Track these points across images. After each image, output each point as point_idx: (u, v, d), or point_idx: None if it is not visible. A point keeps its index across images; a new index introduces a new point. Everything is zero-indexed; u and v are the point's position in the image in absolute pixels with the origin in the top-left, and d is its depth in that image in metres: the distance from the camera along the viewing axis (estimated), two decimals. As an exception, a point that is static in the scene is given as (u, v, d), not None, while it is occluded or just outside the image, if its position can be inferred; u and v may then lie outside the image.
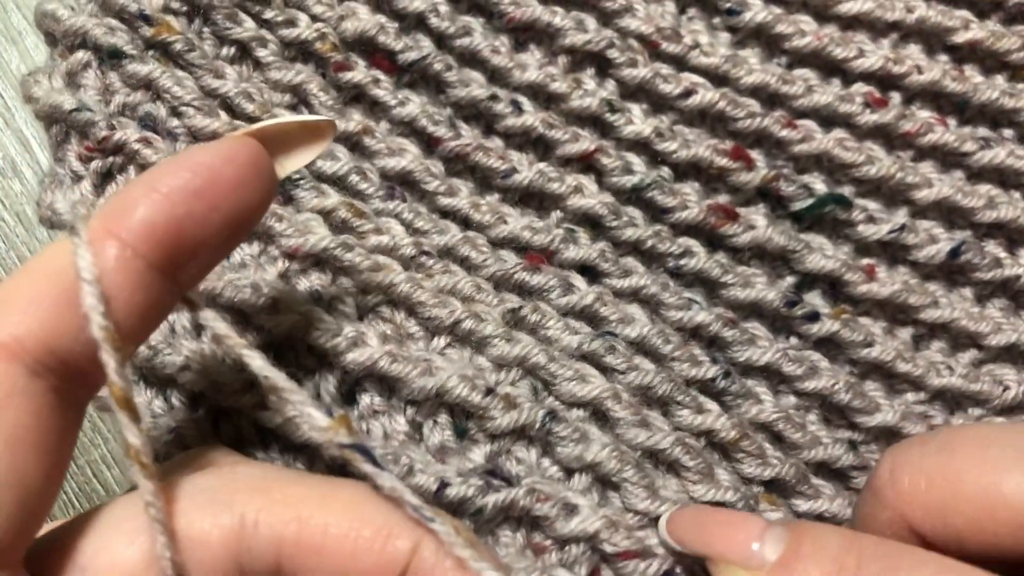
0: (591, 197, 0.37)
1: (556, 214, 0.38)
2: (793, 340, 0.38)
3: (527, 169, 0.37)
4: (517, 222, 0.37)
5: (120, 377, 0.25)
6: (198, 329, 0.34)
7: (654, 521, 0.33)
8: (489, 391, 0.34)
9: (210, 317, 0.28)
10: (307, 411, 0.26)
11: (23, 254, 0.43)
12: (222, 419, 0.34)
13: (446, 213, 0.38)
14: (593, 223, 0.38)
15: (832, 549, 0.26)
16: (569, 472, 0.34)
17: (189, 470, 0.28)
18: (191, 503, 0.26)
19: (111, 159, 0.35)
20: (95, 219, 0.26)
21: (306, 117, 0.30)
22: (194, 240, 0.26)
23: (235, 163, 0.27)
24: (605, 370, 0.36)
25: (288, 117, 0.30)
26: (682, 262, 0.37)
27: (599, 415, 0.35)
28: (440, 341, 0.36)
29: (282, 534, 0.26)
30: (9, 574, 0.24)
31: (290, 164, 0.29)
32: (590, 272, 0.37)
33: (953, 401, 0.38)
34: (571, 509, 0.33)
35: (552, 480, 0.34)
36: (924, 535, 0.27)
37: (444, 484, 0.33)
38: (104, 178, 0.35)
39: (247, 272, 0.35)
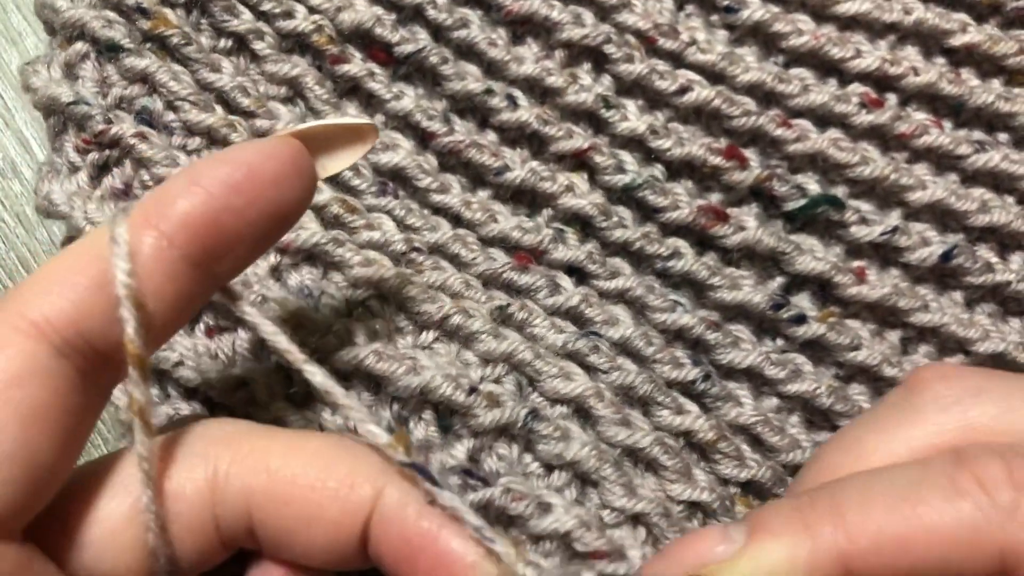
0: (582, 197, 0.38)
1: (547, 212, 0.39)
2: (780, 342, 0.39)
3: (519, 167, 0.38)
4: (507, 221, 0.38)
5: (137, 336, 0.26)
6: (192, 325, 0.36)
7: (631, 519, 0.34)
8: (472, 389, 0.35)
9: (270, 331, 0.29)
10: (368, 428, 0.28)
11: (23, 255, 0.44)
12: (218, 409, 0.36)
13: (438, 210, 0.39)
14: (583, 223, 0.39)
15: (786, 507, 0.28)
16: (549, 468, 0.36)
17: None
18: (167, 459, 0.28)
19: (107, 152, 0.36)
20: (136, 210, 0.27)
21: (349, 120, 0.31)
22: (230, 234, 0.27)
23: (276, 160, 0.28)
24: (588, 369, 0.37)
25: (332, 119, 0.31)
26: (670, 264, 0.38)
27: (582, 412, 0.36)
28: (428, 336, 0.37)
29: (252, 485, 0.28)
30: (8, 543, 0.25)
31: (332, 166, 0.31)
32: (577, 273, 0.38)
33: (938, 404, 0.39)
34: (545, 508, 0.34)
35: (530, 477, 0.35)
36: None
37: None
38: (100, 170, 0.36)
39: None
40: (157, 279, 0.26)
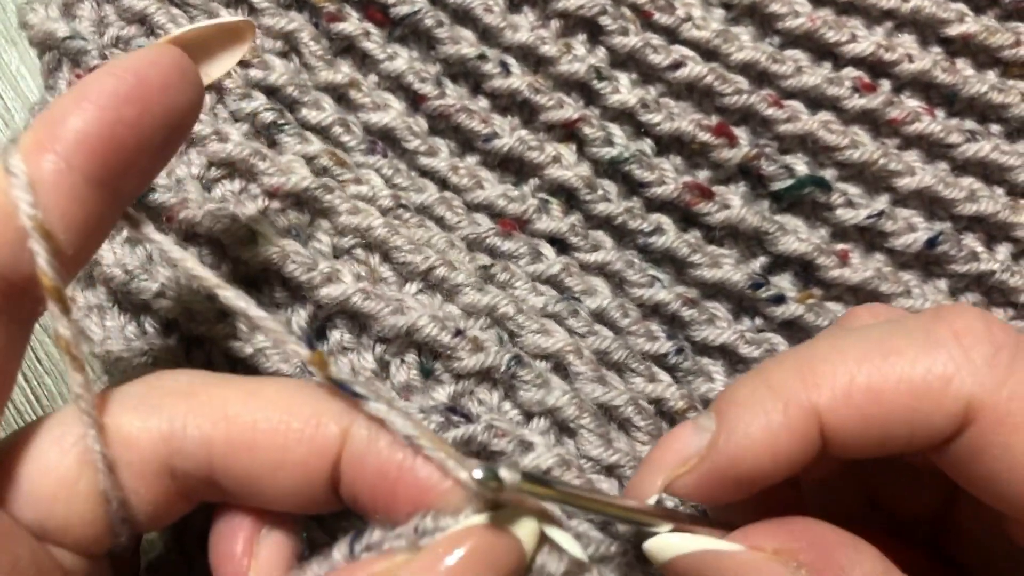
0: (568, 169, 0.39)
1: (533, 182, 0.40)
2: (759, 321, 0.39)
3: (508, 135, 0.39)
4: (493, 189, 0.39)
5: (50, 267, 0.26)
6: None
7: (606, 469, 0.36)
8: (458, 332, 0.36)
9: (178, 255, 0.29)
10: (288, 347, 0.28)
11: None
12: (194, 346, 0.37)
13: (425, 172, 0.40)
14: (568, 195, 0.40)
15: (750, 377, 0.28)
16: (528, 416, 0.37)
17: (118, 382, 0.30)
18: (119, 407, 0.28)
19: (101, 88, 0.37)
20: (28, 136, 0.26)
21: (223, 20, 0.31)
22: (128, 146, 0.27)
23: (160, 67, 0.28)
24: (567, 331, 0.37)
25: (206, 21, 0.30)
26: (651, 239, 0.39)
27: (560, 369, 0.37)
28: (412, 287, 0.38)
29: (211, 435, 0.27)
30: None
31: (214, 70, 0.30)
32: (559, 244, 0.40)
33: (917, 391, 0.39)
34: (527, 446, 0.35)
35: (511, 423, 0.36)
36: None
37: None
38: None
39: (227, 206, 0.37)
40: (62, 205, 0.26)
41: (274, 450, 0.27)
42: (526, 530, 0.27)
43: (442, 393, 0.36)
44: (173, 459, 0.28)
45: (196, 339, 0.36)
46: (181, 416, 0.28)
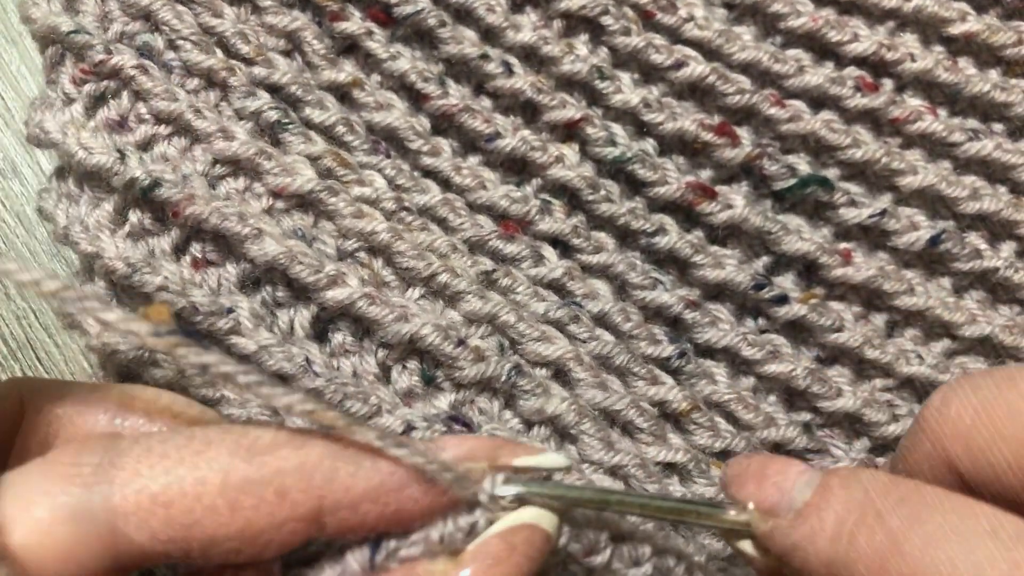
0: (571, 169, 0.40)
1: (536, 182, 0.40)
2: (762, 322, 0.40)
3: (511, 135, 0.40)
4: (496, 190, 0.40)
5: None
6: (177, 253, 0.37)
7: (608, 471, 0.36)
8: (460, 342, 0.37)
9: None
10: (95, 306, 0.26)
11: (23, 254, 0.46)
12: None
13: (428, 173, 0.40)
14: (570, 195, 0.40)
15: (859, 492, 0.26)
16: (529, 425, 0.37)
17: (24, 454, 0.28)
18: (48, 516, 0.25)
19: (105, 83, 0.38)
20: None
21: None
22: None
23: None
24: (568, 337, 0.38)
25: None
26: (654, 240, 0.39)
27: (561, 375, 0.38)
28: (414, 292, 0.38)
29: (165, 534, 0.25)
30: None
31: None
32: (562, 245, 0.40)
33: (922, 390, 0.40)
34: None
35: (511, 431, 0.36)
36: (961, 472, 0.26)
37: (410, 427, 0.35)
38: (96, 101, 0.38)
39: (232, 203, 0.37)
40: None
41: (237, 538, 0.26)
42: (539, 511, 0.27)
43: (443, 401, 0.37)
44: (120, 560, 0.25)
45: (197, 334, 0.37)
46: (118, 516, 0.25)
